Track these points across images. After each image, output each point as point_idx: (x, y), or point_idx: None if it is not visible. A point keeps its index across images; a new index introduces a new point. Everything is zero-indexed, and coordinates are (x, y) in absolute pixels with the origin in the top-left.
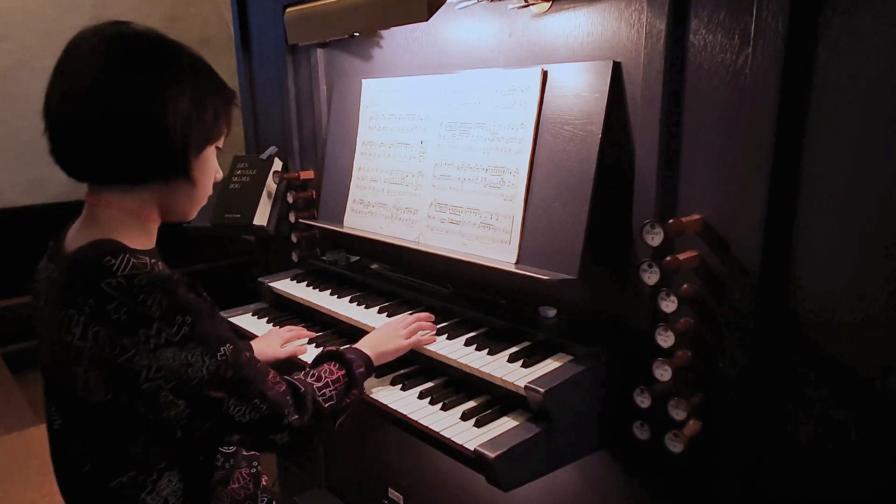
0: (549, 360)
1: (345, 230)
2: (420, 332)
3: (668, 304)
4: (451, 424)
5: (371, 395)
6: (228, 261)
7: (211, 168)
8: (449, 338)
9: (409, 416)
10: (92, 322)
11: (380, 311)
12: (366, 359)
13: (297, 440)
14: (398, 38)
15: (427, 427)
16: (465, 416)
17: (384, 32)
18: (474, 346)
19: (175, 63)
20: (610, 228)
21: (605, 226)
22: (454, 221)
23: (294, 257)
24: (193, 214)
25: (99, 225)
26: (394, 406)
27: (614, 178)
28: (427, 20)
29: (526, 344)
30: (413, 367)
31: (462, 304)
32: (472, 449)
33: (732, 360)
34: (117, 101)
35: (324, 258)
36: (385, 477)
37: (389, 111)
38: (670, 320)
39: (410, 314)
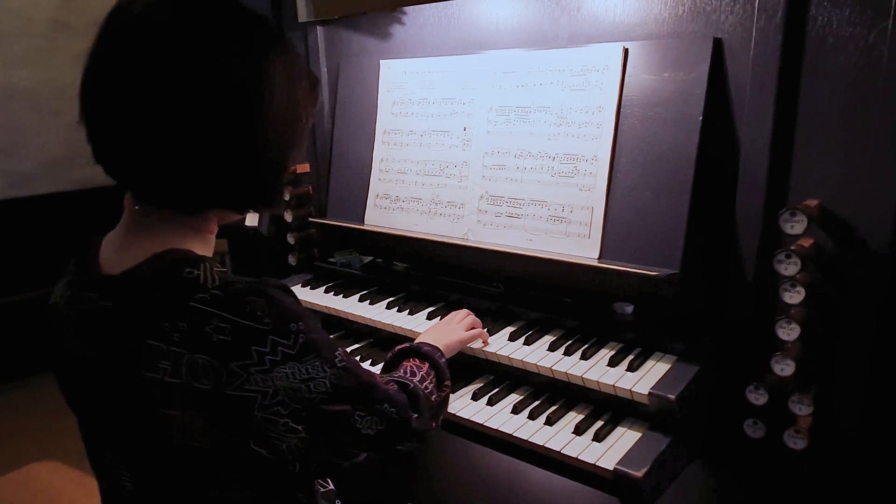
0: (651, 362)
1: (367, 228)
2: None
3: (793, 296)
4: (567, 441)
5: (458, 414)
6: None
7: None
8: (527, 343)
9: (516, 435)
10: (187, 351)
11: (429, 317)
12: (440, 350)
13: (418, 445)
14: (427, 15)
15: (546, 448)
16: (578, 431)
17: (408, 8)
18: (562, 351)
19: (266, 30)
20: (709, 218)
21: (703, 215)
22: (514, 215)
23: (292, 260)
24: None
25: (155, 237)
26: (490, 424)
27: (713, 165)
28: None
29: (618, 345)
30: (487, 376)
31: (521, 304)
32: (610, 468)
33: (858, 351)
34: (202, 91)
35: (331, 259)
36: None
37: (419, 95)
38: (792, 312)
39: (456, 314)
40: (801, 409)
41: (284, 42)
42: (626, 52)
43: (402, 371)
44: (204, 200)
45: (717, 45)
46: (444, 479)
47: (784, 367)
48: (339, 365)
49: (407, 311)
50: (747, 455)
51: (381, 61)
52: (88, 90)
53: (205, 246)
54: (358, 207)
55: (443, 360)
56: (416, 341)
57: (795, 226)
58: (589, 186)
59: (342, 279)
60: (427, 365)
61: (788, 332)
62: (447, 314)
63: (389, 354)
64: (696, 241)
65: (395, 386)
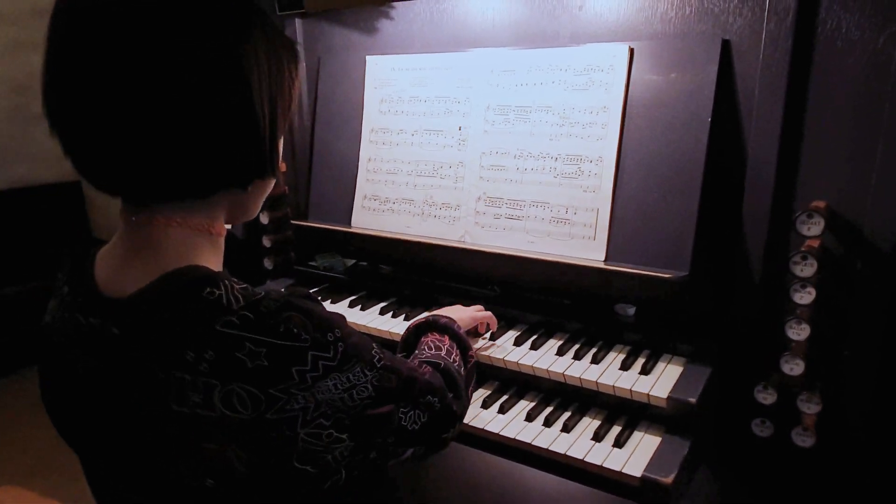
0: (662, 364)
1: (355, 231)
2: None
3: (804, 296)
4: (588, 448)
5: (470, 424)
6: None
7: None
8: (534, 347)
9: (535, 444)
10: (219, 382)
11: None
12: (456, 321)
13: (458, 429)
14: (417, 10)
15: (568, 456)
16: (597, 437)
17: (398, 3)
18: (571, 355)
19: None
20: (717, 219)
21: (711, 216)
22: (515, 217)
23: (268, 264)
24: (256, 212)
25: (160, 250)
26: (507, 434)
27: (721, 166)
28: None
29: (625, 347)
30: (492, 383)
31: (521, 307)
32: (638, 475)
33: (866, 350)
34: (185, 68)
35: (312, 263)
36: None
37: (410, 93)
38: (801, 312)
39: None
40: (810, 407)
41: (260, 13)
42: (631, 51)
43: (425, 349)
44: (206, 180)
45: (726, 46)
46: (447, 487)
47: (793, 367)
48: (379, 365)
49: (402, 316)
50: (755, 454)
51: (368, 57)
52: (57, 84)
53: (215, 253)
54: (343, 209)
55: (461, 330)
56: (429, 315)
57: (812, 227)
58: (594, 188)
59: (327, 283)
60: (447, 337)
61: (798, 331)
62: None
63: (405, 332)
64: (704, 242)
65: (429, 368)
